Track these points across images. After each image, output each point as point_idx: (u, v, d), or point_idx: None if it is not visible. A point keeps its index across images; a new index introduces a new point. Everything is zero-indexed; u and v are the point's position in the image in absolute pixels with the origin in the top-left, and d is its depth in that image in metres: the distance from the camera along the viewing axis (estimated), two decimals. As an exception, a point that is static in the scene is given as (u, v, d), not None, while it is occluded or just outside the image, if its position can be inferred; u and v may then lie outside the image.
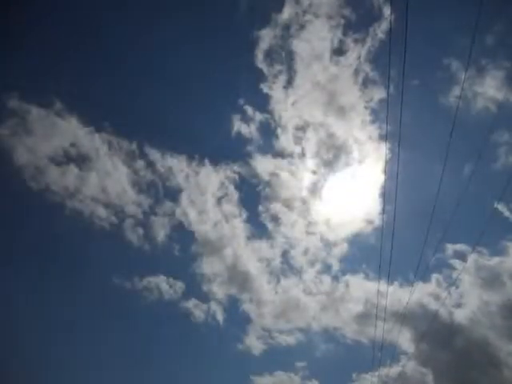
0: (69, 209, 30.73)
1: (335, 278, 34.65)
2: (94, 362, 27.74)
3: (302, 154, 35.93)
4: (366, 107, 33.58)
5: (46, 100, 29.72)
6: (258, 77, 32.94)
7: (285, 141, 35.46)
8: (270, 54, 32.42)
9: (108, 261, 32.59)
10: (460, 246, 28.94)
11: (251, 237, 35.19)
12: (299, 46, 32.61)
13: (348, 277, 34.07)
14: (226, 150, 36.34)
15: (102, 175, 31.88)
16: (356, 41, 31.86)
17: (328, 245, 35.78)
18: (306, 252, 35.34)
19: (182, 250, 34.09)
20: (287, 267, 35.12)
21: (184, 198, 34.05)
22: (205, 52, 32.75)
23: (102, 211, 31.15)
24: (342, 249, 35.09)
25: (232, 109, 36.40)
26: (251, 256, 35.33)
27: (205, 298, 33.03)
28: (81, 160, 31.30)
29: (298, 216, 36.46)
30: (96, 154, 31.53)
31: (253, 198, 36.48)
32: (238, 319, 33.77)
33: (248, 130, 34.01)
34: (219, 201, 34.59)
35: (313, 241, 35.87)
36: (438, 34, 29.09)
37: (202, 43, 33.21)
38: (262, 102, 34.41)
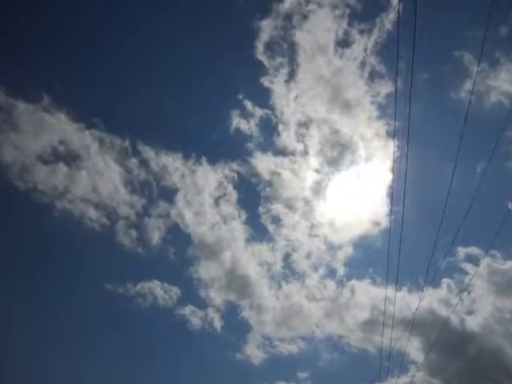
0: (57, 209, 30.75)
1: (340, 283, 34.62)
2: (85, 372, 27.77)
3: (305, 152, 35.83)
4: (372, 102, 33.43)
5: (33, 95, 29.71)
6: (258, 70, 32.85)
7: (286, 138, 35.39)
8: (270, 46, 32.25)
9: (99, 265, 32.53)
10: (472, 249, 28.95)
11: (251, 239, 35.18)
12: (302, 37, 32.40)
13: (353, 282, 34.02)
14: (225, 148, 36.36)
15: (92, 174, 31.87)
16: (362, 32, 31.70)
17: (332, 248, 35.82)
18: (308, 255, 35.32)
19: (178, 254, 34.08)
20: (289, 272, 35.12)
21: (180, 199, 34.02)
22: (201, 44, 32.73)
23: (92, 212, 31.16)
24: (347, 252, 35.04)
25: (230, 104, 36.27)
26: (251, 260, 35.35)
27: (202, 304, 33.05)
28: (70, 158, 31.30)
29: (300, 217, 36.41)
30: (86, 151, 31.50)
31: (253, 198, 36.44)
32: (236, 327, 33.78)
33: (247, 126, 33.93)
34: (217, 201, 34.56)
35: (316, 244, 35.80)
36: (449, 25, 29.03)
37: (199, 34, 33.20)
38: (263, 97, 34.28)
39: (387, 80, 31.79)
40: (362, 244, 35.73)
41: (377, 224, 33.51)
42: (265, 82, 32.94)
